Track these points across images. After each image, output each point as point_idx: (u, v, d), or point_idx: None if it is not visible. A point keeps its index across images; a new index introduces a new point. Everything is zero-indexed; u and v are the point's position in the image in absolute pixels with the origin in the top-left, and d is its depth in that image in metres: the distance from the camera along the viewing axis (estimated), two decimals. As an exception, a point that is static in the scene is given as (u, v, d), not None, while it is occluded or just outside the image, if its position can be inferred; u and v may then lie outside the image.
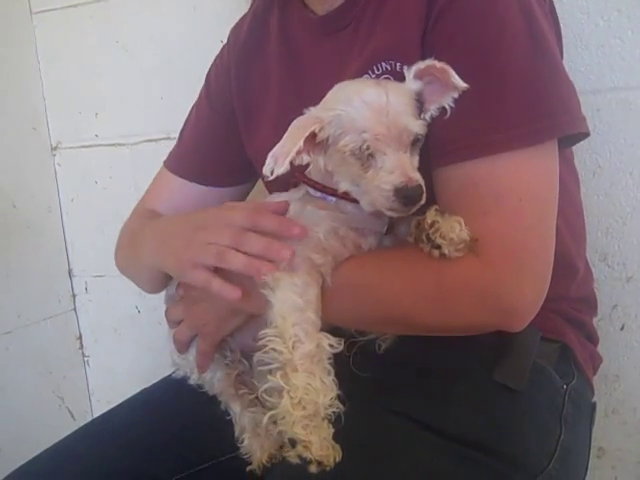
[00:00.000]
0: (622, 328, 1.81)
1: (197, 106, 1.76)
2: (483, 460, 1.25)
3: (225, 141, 1.67)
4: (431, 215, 1.16)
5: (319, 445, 1.11)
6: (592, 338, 1.53)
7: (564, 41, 1.69)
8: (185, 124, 1.77)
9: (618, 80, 1.70)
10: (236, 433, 1.38)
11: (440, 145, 1.22)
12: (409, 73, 1.19)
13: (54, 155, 2.61)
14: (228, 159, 1.66)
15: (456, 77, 1.14)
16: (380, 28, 1.33)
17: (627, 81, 1.69)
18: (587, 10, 1.69)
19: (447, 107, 1.18)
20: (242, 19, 1.71)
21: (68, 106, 2.55)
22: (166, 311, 1.54)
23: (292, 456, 1.11)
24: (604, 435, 1.85)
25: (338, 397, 1.16)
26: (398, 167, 1.13)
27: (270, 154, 1.14)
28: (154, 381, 1.67)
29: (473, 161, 1.19)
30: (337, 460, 1.12)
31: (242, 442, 1.37)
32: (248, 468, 1.27)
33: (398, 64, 1.26)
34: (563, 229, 1.33)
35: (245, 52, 1.63)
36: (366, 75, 1.31)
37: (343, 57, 1.37)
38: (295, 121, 1.18)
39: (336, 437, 1.17)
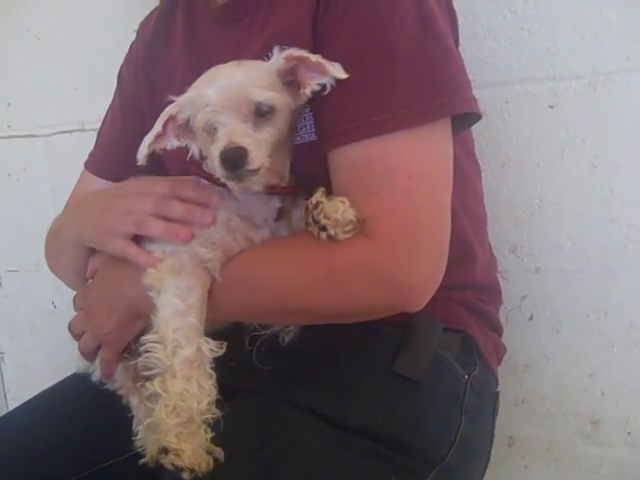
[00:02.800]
0: (531, 318, 1.83)
1: (112, 106, 1.74)
2: (383, 452, 1.25)
3: (140, 138, 1.64)
4: (316, 196, 1.16)
5: (191, 453, 1.12)
6: (496, 328, 1.55)
7: (473, 34, 1.71)
8: (102, 125, 1.77)
9: (526, 72, 1.71)
10: (134, 426, 1.36)
11: (331, 127, 1.22)
12: (278, 54, 1.21)
13: (-35, 146, 2.54)
14: None
15: (332, 70, 1.16)
16: (275, 15, 1.33)
17: (534, 73, 1.71)
18: (495, 2, 1.70)
19: (327, 84, 1.18)
20: (150, 13, 1.70)
21: (-21, 96, 2.49)
22: (69, 325, 1.50)
23: (166, 463, 1.12)
24: (514, 424, 1.88)
25: (217, 402, 1.17)
26: (226, 133, 1.15)
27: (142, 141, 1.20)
28: (68, 377, 1.65)
29: (364, 141, 1.18)
30: (210, 466, 1.13)
31: (137, 435, 1.35)
32: (141, 461, 1.25)
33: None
34: (460, 214, 1.34)
35: (151, 46, 1.62)
36: None
37: (242, 45, 1.37)
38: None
39: (236, 430, 1.18)
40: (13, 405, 2.66)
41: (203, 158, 1.28)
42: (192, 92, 1.23)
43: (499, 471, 1.84)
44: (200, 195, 1.29)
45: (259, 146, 1.15)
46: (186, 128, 1.25)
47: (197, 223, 1.26)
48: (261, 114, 1.17)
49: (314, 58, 1.17)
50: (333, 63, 1.17)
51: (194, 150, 1.27)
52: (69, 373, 1.63)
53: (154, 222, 1.27)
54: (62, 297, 2.46)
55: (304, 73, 1.20)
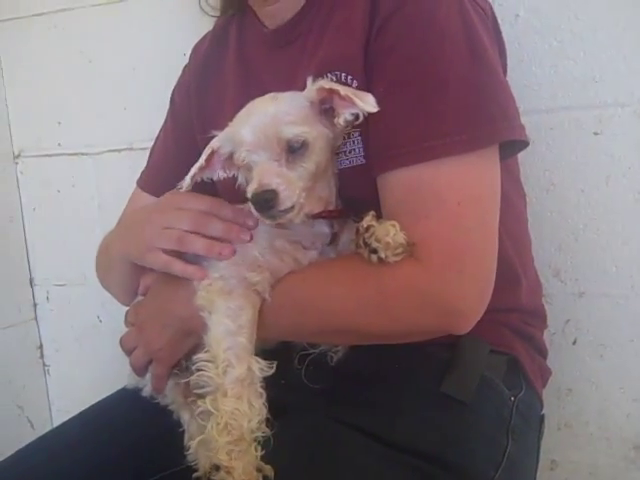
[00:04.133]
0: (574, 342, 1.83)
1: (164, 127, 1.78)
2: (430, 470, 1.26)
3: (191, 158, 1.68)
4: (367, 220, 1.18)
5: (242, 470, 1.15)
6: (541, 351, 1.56)
7: (519, 61, 1.73)
8: (154, 144, 1.81)
9: (570, 99, 1.74)
10: (185, 441, 1.39)
11: (381, 152, 1.24)
12: (312, 85, 1.24)
13: (16, 163, 2.59)
14: None
15: (361, 104, 1.17)
16: (327, 40, 1.36)
17: (579, 101, 1.73)
18: (541, 31, 1.73)
19: (360, 114, 1.20)
20: (204, 37, 1.74)
21: (31, 114, 2.54)
22: (120, 340, 1.53)
23: None
24: (556, 448, 1.87)
25: (267, 420, 1.19)
26: (257, 175, 1.18)
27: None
28: (114, 391, 1.66)
29: (414, 166, 1.20)
30: None
31: (188, 449, 1.37)
32: (194, 475, 1.27)
33: (343, 74, 1.30)
34: (505, 239, 1.35)
35: (204, 69, 1.66)
36: None
37: (293, 70, 1.39)
38: None
39: (285, 448, 1.20)
40: (58, 417, 2.71)
41: None
42: (230, 128, 1.27)
43: (542, 494, 1.85)
44: (237, 216, 1.32)
45: (291, 184, 1.17)
46: (231, 161, 1.29)
47: (235, 241, 1.29)
48: (293, 150, 1.19)
49: (343, 91, 1.18)
50: (365, 95, 1.19)
51: (241, 180, 1.30)
52: (113, 386, 1.66)
53: (194, 239, 1.30)
54: (108, 312, 2.51)
55: (338, 102, 1.22)
